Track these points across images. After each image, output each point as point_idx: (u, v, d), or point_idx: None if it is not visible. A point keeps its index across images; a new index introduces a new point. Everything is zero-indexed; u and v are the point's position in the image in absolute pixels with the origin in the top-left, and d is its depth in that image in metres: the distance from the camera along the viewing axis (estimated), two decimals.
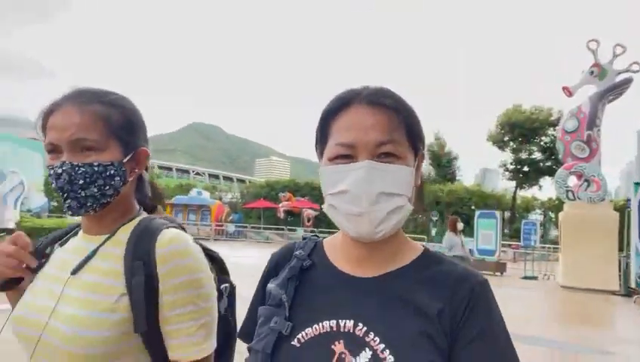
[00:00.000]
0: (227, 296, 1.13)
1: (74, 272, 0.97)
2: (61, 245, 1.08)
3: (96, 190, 0.96)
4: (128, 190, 1.05)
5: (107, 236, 1.01)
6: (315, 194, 33.55)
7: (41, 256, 1.07)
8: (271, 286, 0.92)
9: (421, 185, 0.90)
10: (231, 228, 29.44)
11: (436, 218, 27.97)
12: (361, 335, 0.78)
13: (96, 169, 0.95)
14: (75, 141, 0.95)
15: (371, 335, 0.78)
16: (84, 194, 0.96)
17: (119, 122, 1.00)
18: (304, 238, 0.99)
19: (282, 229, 29.68)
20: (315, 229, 28.97)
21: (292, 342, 0.82)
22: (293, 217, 31.64)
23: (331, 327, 0.81)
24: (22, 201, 16.42)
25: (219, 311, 1.05)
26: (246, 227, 31.23)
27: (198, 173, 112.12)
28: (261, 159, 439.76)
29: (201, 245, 1.06)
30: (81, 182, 0.95)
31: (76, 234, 1.10)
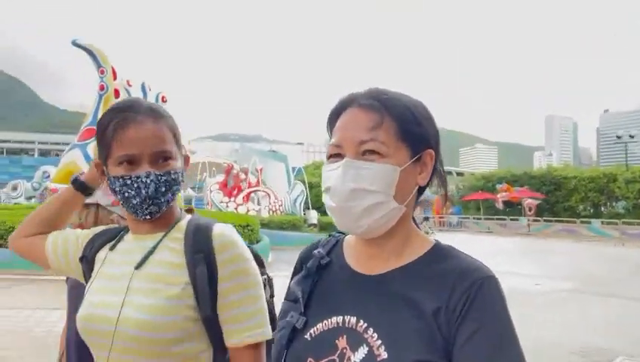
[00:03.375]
0: (268, 285, 1.23)
1: (138, 266, 1.05)
2: (111, 249, 1.14)
3: (170, 195, 1.07)
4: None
5: (164, 233, 1.09)
6: (534, 183, 33.35)
7: (92, 260, 1.15)
8: (291, 282, 0.99)
9: (443, 185, 0.93)
10: (453, 219, 31.85)
11: None
12: (361, 332, 0.80)
13: (172, 177, 1.06)
14: (157, 153, 1.04)
15: (370, 331, 0.79)
16: (163, 200, 1.05)
17: (178, 132, 1.11)
18: (330, 235, 1.02)
19: (504, 219, 30.63)
20: (539, 218, 29.26)
21: (305, 336, 0.87)
22: (512, 207, 32.21)
23: (338, 323, 0.84)
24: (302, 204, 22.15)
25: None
26: (468, 218, 33.14)
27: None
28: (465, 148, 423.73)
29: None
30: (163, 189, 1.04)
31: (122, 238, 1.16)
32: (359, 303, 0.84)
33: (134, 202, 1.04)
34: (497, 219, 31.26)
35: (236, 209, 18.81)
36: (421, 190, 0.89)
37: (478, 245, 19.96)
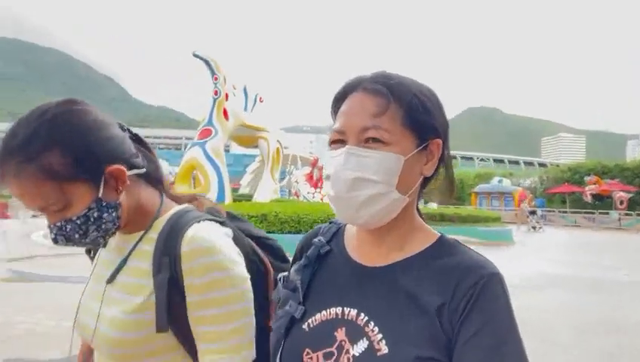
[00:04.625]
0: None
1: (110, 279, 0.97)
2: (104, 245, 1.07)
3: (96, 233, 0.92)
4: (130, 197, 0.97)
5: (140, 235, 0.98)
6: (626, 175, 31.65)
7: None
8: (291, 270, 0.95)
9: (449, 175, 0.89)
10: (537, 212, 31.25)
11: None
12: (361, 325, 0.78)
13: (79, 222, 0.89)
14: (45, 207, 0.88)
15: (371, 325, 0.78)
16: (88, 240, 0.92)
17: (67, 167, 0.86)
18: (331, 222, 0.99)
19: (592, 213, 29.56)
20: (632, 212, 27.91)
21: (302, 326, 0.85)
22: (601, 200, 30.87)
23: (337, 314, 0.82)
24: None
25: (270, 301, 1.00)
26: (553, 211, 32.25)
27: (482, 159, 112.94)
28: (548, 137, 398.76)
29: (253, 234, 1.05)
30: (76, 236, 0.91)
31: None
32: (360, 295, 0.83)
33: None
34: (585, 212, 30.17)
35: (322, 199, 20.07)
36: (426, 181, 0.87)
37: (564, 238, 19.84)
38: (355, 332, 0.79)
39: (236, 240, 1.00)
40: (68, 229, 0.90)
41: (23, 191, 0.87)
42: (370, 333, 0.77)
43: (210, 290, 0.90)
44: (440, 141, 0.84)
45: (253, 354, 0.94)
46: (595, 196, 30.88)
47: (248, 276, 0.96)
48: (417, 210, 0.90)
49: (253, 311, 0.95)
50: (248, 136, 17.48)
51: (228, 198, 14.03)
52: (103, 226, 0.93)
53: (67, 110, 0.89)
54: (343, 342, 0.79)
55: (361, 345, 0.77)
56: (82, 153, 0.89)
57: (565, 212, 31.69)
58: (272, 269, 1.06)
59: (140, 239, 0.99)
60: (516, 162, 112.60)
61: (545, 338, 5.20)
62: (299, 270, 0.93)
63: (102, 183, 0.91)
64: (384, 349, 0.75)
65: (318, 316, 0.85)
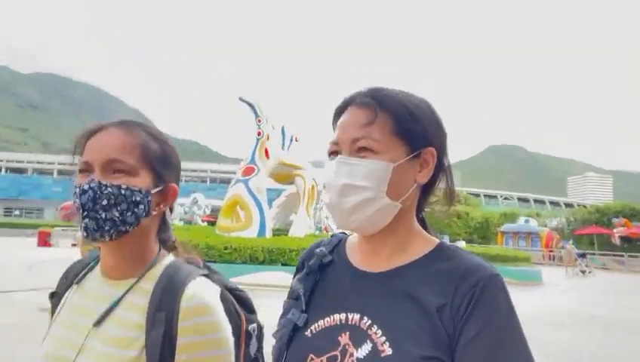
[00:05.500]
0: (256, 336, 1.04)
1: (97, 324, 0.91)
2: (77, 283, 1.01)
3: (117, 214, 0.90)
4: (150, 225, 0.97)
5: (132, 283, 0.94)
6: None
7: (62, 297, 1.02)
8: (293, 281, 0.97)
9: (450, 185, 0.91)
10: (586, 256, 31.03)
11: None
12: (364, 328, 0.80)
13: (122, 192, 0.90)
14: (109, 162, 0.91)
15: (374, 328, 0.79)
16: (104, 216, 0.89)
17: (156, 153, 0.97)
18: (332, 236, 1.02)
19: (621, 256, 29.29)
20: None
21: (305, 333, 0.86)
22: (630, 243, 30.59)
23: (340, 320, 0.84)
24: None
25: (249, 355, 1.01)
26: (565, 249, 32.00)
27: (506, 198, 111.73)
28: (575, 177, 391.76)
29: (227, 286, 1.01)
30: (104, 202, 0.89)
31: (92, 269, 1.02)
32: (362, 300, 0.84)
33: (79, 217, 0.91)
34: (614, 255, 29.94)
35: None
36: (427, 189, 0.90)
37: (593, 282, 19.86)
38: (359, 336, 0.80)
39: (221, 296, 0.96)
40: (106, 191, 0.89)
41: (117, 140, 0.93)
42: (373, 336, 0.78)
43: (201, 350, 0.88)
44: (434, 150, 0.87)
45: None
46: (623, 238, 30.66)
47: (232, 339, 0.94)
48: (422, 219, 0.94)
49: None
50: (286, 174, 18.44)
51: (268, 233, 14.91)
52: (128, 214, 0.91)
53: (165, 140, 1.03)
54: (347, 346, 0.80)
55: (365, 348, 0.78)
56: (170, 159, 1.01)
57: (594, 253, 31.37)
58: (245, 322, 1.02)
59: (131, 288, 0.94)
60: (542, 201, 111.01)
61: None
62: (301, 279, 0.95)
63: (159, 188, 0.97)
64: (388, 350, 0.76)
65: (321, 322, 0.86)
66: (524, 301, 10.99)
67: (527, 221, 35.74)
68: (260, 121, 15.67)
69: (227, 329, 0.92)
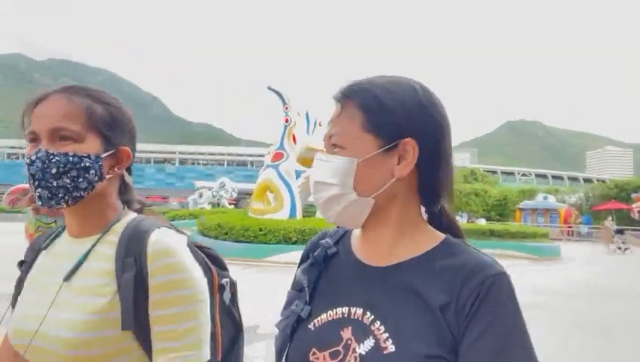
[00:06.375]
0: (229, 288, 1.11)
1: (67, 278, 0.94)
2: (45, 248, 1.04)
3: (69, 181, 0.92)
4: (107, 188, 1.00)
5: (97, 237, 0.98)
6: None
7: (31, 265, 1.04)
8: (297, 271, 0.98)
9: (449, 176, 0.86)
10: (583, 229, 31.32)
11: None
12: (367, 324, 0.79)
13: (70, 159, 0.91)
14: (54, 130, 0.91)
15: (377, 324, 0.78)
16: (55, 184, 0.91)
17: (103, 117, 0.97)
18: (338, 226, 0.99)
19: None
20: None
21: (308, 326, 0.85)
22: None
23: (343, 314, 0.83)
24: None
25: (224, 302, 1.06)
26: (599, 228, 32.26)
27: (524, 174, 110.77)
28: (593, 151, 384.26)
29: (196, 244, 1.05)
30: (53, 171, 0.90)
31: (59, 235, 1.05)
32: (366, 295, 0.83)
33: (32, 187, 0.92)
34: (633, 230, 30.13)
35: None
36: (424, 180, 0.85)
37: (616, 257, 20.22)
38: (362, 331, 0.79)
39: (192, 251, 1.00)
40: (54, 160, 0.90)
41: (60, 108, 0.93)
42: (376, 332, 0.78)
43: (173, 289, 0.91)
44: (413, 141, 0.81)
45: (207, 354, 0.94)
46: None
47: (205, 279, 0.97)
48: (433, 212, 0.90)
49: (208, 313, 0.96)
50: (311, 158, 19.03)
51: (299, 214, 15.71)
52: (80, 180, 0.93)
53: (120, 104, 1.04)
54: (349, 341, 0.79)
55: (368, 344, 0.77)
56: (119, 121, 1.00)
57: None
58: (217, 276, 1.07)
59: (98, 241, 0.97)
60: (560, 177, 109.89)
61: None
62: (305, 270, 0.94)
63: (110, 152, 0.97)
64: (390, 347, 0.75)
65: (324, 316, 0.85)
66: (543, 274, 11.64)
67: (545, 198, 35.74)
68: (287, 108, 16.32)
69: (194, 270, 0.95)
